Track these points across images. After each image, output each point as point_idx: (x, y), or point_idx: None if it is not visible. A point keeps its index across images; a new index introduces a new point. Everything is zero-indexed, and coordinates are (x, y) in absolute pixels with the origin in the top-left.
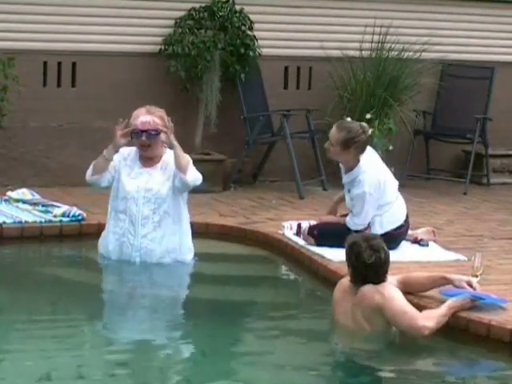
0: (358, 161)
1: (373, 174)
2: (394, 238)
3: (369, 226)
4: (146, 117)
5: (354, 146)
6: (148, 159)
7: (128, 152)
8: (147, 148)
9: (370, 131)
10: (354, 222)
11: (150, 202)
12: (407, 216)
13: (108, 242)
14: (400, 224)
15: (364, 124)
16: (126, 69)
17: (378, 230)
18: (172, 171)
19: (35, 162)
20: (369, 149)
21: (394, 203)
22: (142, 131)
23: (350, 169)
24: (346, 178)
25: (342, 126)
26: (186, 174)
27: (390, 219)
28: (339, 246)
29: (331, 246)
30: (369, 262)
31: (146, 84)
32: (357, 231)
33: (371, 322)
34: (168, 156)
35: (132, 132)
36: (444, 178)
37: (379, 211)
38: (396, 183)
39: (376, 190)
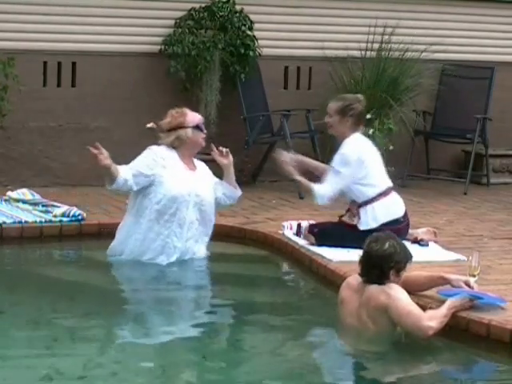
0: (354, 133)
1: (358, 146)
2: None
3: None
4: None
5: (350, 113)
6: (190, 161)
7: (160, 151)
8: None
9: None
10: (317, 186)
11: (197, 207)
12: (406, 213)
13: (146, 242)
14: (397, 217)
15: (359, 95)
16: (126, 69)
17: (372, 222)
18: (211, 179)
19: (35, 162)
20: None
21: (387, 194)
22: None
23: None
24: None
25: (339, 98)
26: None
27: (384, 210)
28: (339, 245)
29: (331, 245)
30: (364, 249)
31: (146, 84)
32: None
33: (376, 321)
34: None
35: (195, 127)
36: (444, 178)
37: (362, 186)
38: (384, 174)
39: (356, 161)
